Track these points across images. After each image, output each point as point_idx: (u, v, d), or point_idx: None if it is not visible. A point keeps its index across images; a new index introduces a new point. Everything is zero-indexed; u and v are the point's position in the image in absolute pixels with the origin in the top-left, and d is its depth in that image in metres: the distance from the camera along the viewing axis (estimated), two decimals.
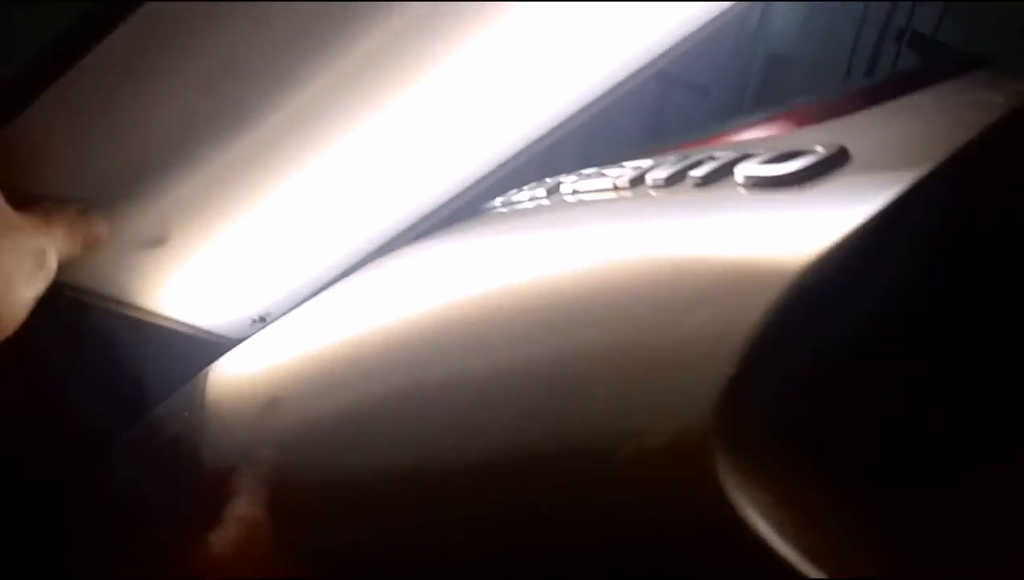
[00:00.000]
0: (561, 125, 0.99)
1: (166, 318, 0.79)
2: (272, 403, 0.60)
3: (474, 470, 0.38)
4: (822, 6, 1.52)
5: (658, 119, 1.35)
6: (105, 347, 0.72)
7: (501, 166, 0.98)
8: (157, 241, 0.77)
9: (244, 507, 0.49)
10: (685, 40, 1.00)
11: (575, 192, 0.68)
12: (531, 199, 0.78)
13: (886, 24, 1.46)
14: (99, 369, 0.72)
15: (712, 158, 0.52)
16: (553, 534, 0.33)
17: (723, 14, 1.00)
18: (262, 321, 0.86)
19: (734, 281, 0.35)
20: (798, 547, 0.25)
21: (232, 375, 0.65)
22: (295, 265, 0.89)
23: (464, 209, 0.95)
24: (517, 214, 0.76)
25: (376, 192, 0.92)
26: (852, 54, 1.48)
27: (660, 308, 0.38)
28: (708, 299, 0.35)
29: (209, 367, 0.66)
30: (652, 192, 0.56)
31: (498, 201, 0.88)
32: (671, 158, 0.59)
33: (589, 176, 0.71)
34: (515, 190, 0.87)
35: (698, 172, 0.51)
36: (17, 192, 0.65)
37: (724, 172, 0.49)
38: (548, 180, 0.82)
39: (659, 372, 0.35)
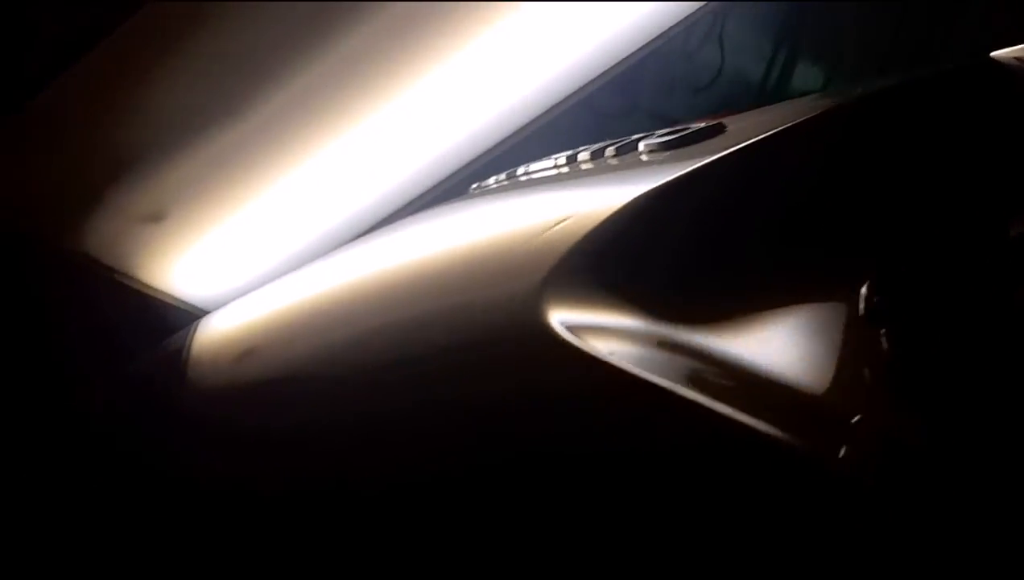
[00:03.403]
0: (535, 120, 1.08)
1: (159, 291, 0.88)
2: (247, 353, 0.68)
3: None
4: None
5: None
6: (95, 310, 0.80)
7: (478, 159, 1.06)
8: (156, 216, 0.86)
9: None
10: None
11: (526, 173, 0.76)
12: (496, 182, 0.86)
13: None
14: (86, 328, 0.79)
15: (628, 138, 0.62)
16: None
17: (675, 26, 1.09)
18: None
19: (587, 210, 0.47)
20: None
21: (218, 328, 0.73)
22: (284, 245, 0.98)
23: (449, 192, 1.04)
24: (481, 194, 0.84)
25: (360, 179, 1.00)
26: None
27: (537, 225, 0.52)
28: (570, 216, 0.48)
29: (200, 320, 0.74)
30: (582, 166, 0.65)
31: (474, 186, 0.96)
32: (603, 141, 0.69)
33: (542, 160, 0.79)
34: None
35: (613, 148, 0.60)
36: (31, 167, 0.74)
37: (632, 146, 0.58)
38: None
39: (522, 261, 0.50)
